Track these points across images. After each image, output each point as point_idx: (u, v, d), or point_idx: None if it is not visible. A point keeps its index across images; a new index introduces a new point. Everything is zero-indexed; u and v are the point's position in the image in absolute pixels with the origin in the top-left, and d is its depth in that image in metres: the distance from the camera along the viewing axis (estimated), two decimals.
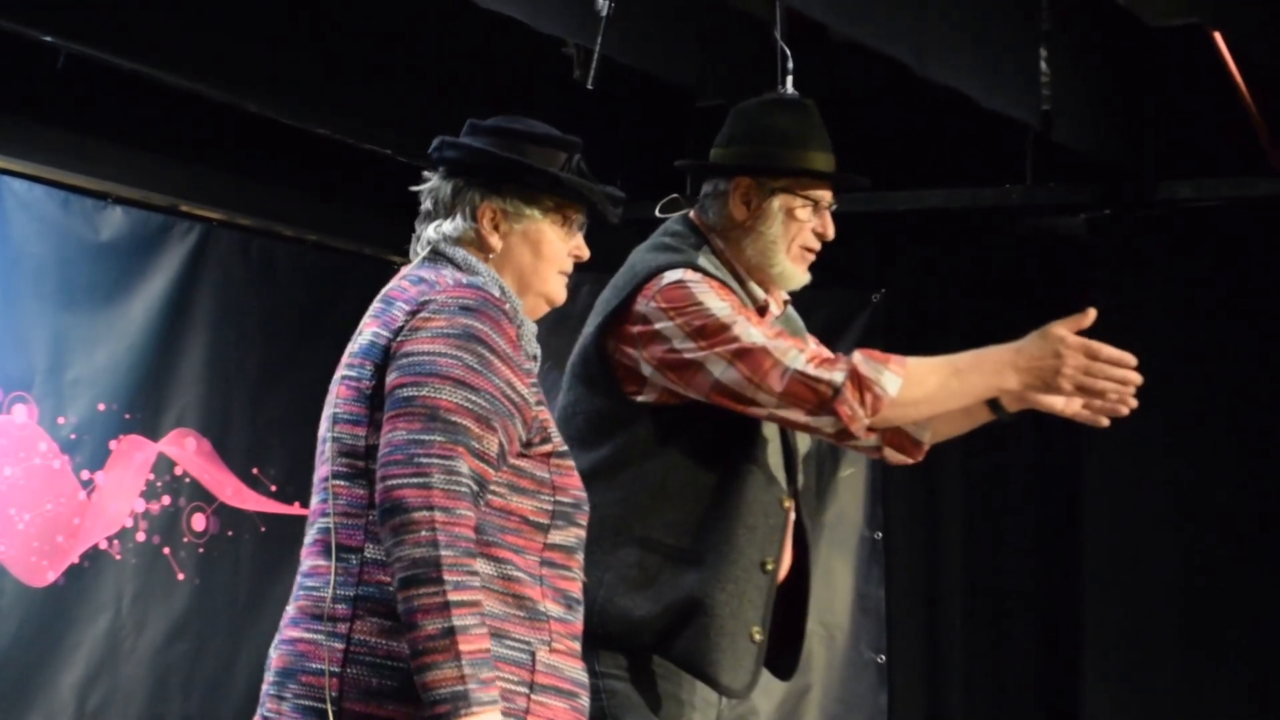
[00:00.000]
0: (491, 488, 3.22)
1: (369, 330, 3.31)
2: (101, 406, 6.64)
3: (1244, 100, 6.52)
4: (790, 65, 5.32)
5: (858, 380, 3.81)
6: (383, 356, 3.24)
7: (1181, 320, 7.53)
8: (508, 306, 3.30)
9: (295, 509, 7.14)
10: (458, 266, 3.35)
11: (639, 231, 8.07)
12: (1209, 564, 7.41)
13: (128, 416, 6.73)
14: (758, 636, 3.95)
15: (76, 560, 6.55)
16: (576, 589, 3.35)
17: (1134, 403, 3.95)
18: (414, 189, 3.46)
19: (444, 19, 6.68)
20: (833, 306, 8.03)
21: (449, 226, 3.38)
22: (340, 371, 3.33)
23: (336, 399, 3.31)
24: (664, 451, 3.92)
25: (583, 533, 3.37)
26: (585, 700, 3.33)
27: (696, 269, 3.94)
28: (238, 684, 6.98)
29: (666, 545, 3.89)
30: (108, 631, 6.64)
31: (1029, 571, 7.99)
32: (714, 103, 7.22)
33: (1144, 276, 7.59)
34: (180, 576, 6.89)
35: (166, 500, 6.85)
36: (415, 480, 3.11)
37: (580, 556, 3.37)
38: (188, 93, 6.38)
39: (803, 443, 4.11)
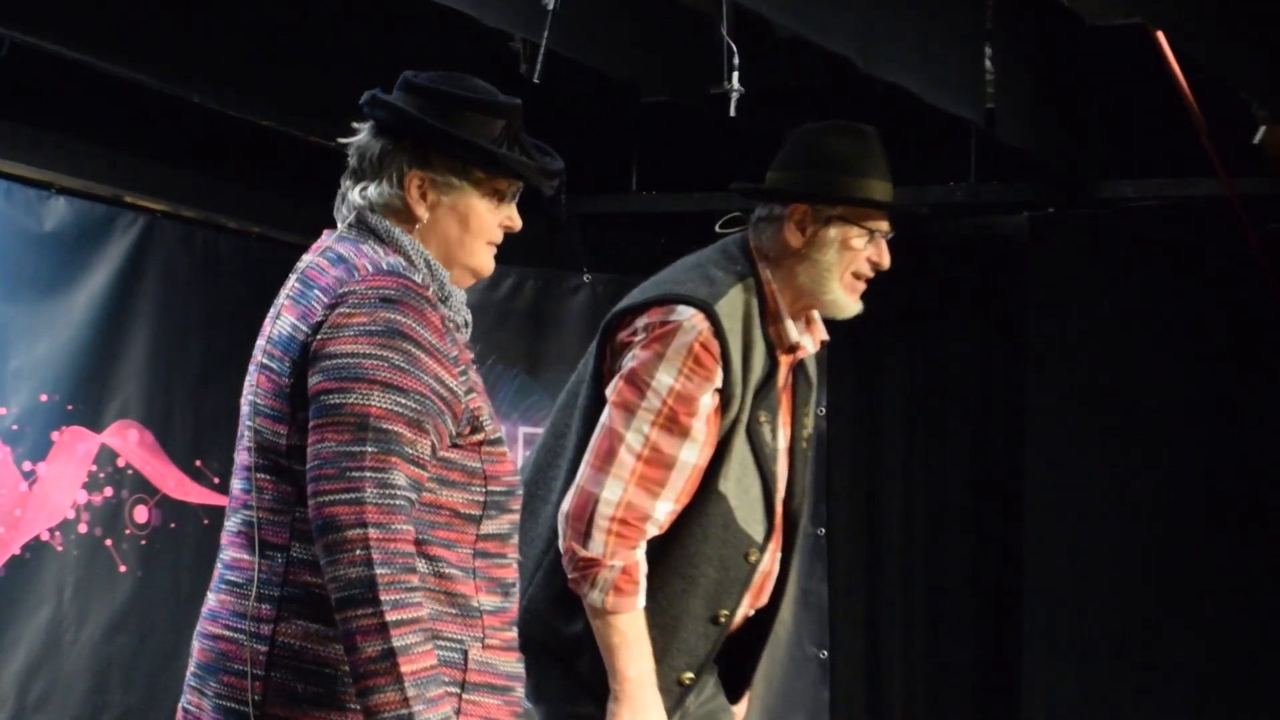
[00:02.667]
0: None
1: (287, 319, 3.16)
2: (44, 397, 6.62)
3: (1186, 100, 6.56)
4: (736, 61, 5.33)
5: (593, 565, 3.79)
6: (302, 353, 3.09)
7: (1122, 318, 7.57)
8: (431, 290, 3.16)
9: None
10: (380, 239, 3.19)
11: (582, 226, 8.12)
12: (1146, 558, 7.46)
13: (70, 408, 6.70)
14: (686, 680, 3.93)
15: (18, 551, 6.53)
16: (511, 574, 3.25)
17: None
18: (342, 141, 3.30)
19: (391, 12, 6.67)
20: None
21: (374, 191, 3.22)
22: (259, 356, 3.20)
23: (256, 388, 3.18)
24: None
25: (516, 518, 3.26)
26: (519, 692, 3.24)
27: (710, 316, 3.82)
28: (179, 676, 6.90)
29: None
30: (49, 623, 6.62)
31: (969, 567, 8.03)
32: (658, 98, 7.25)
33: (1086, 275, 7.63)
34: (122, 569, 6.87)
35: (109, 492, 6.83)
36: (347, 496, 2.98)
37: (515, 541, 3.26)
38: (132, 83, 6.36)
39: (796, 487, 4.05)
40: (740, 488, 3.89)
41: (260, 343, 3.23)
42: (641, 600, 3.81)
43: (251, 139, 6.97)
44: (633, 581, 3.79)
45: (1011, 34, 6.44)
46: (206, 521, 7.12)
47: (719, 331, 3.82)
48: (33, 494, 6.57)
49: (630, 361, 3.83)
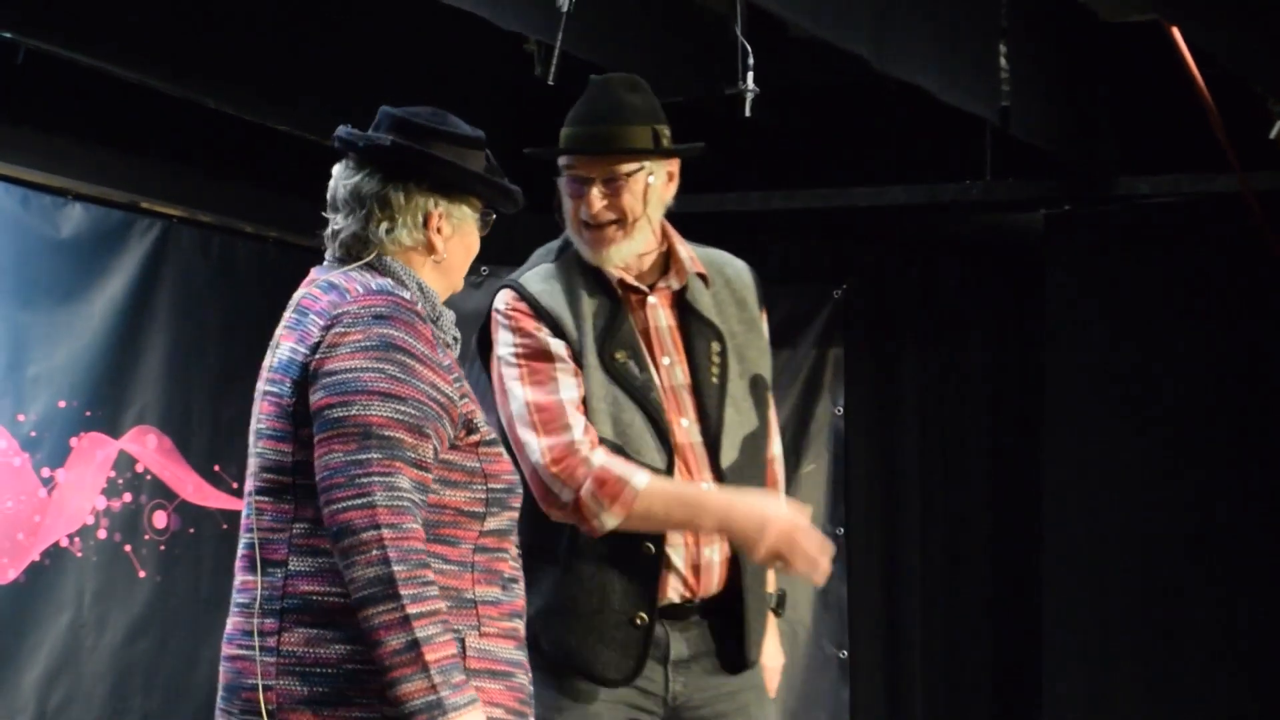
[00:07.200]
0: None
1: (285, 345, 3.34)
2: (62, 404, 6.62)
3: (1202, 96, 6.55)
4: (750, 61, 5.33)
5: (579, 505, 3.90)
6: (301, 374, 3.28)
7: (1139, 315, 7.56)
8: (421, 306, 3.33)
9: None
10: (371, 267, 3.37)
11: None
12: (1167, 556, 7.45)
13: (88, 414, 6.71)
14: (641, 620, 3.97)
15: (37, 558, 6.53)
16: (509, 567, 3.40)
17: (826, 572, 3.96)
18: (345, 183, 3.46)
19: (405, 15, 6.67)
20: (794, 302, 8.06)
21: (404, 235, 3.38)
22: (262, 385, 3.38)
23: (260, 414, 3.38)
24: None
25: (515, 515, 3.42)
26: (521, 678, 3.38)
27: (513, 287, 4.00)
28: (199, 682, 6.97)
29: (530, 544, 3.85)
30: (69, 629, 6.63)
31: (988, 565, 8.03)
32: (673, 100, 7.24)
33: (1102, 272, 7.63)
34: (141, 574, 6.88)
35: (128, 498, 6.83)
36: (359, 501, 3.16)
37: (514, 537, 3.42)
38: (148, 89, 6.36)
39: (710, 419, 4.08)
40: (618, 425, 3.97)
41: (263, 375, 3.41)
42: (640, 479, 3.89)
43: (268, 143, 6.98)
44: (614, 478, 3.88)
45: (1026, 31, 6.43)
46: (225, 526, 7.12)
47: (524, 295, 3.98)
48: (52, 500, 6.58)
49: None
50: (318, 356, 3.26)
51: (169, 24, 6.22)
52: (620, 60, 6.36)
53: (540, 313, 3.98)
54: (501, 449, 3.42)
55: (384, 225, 3.38)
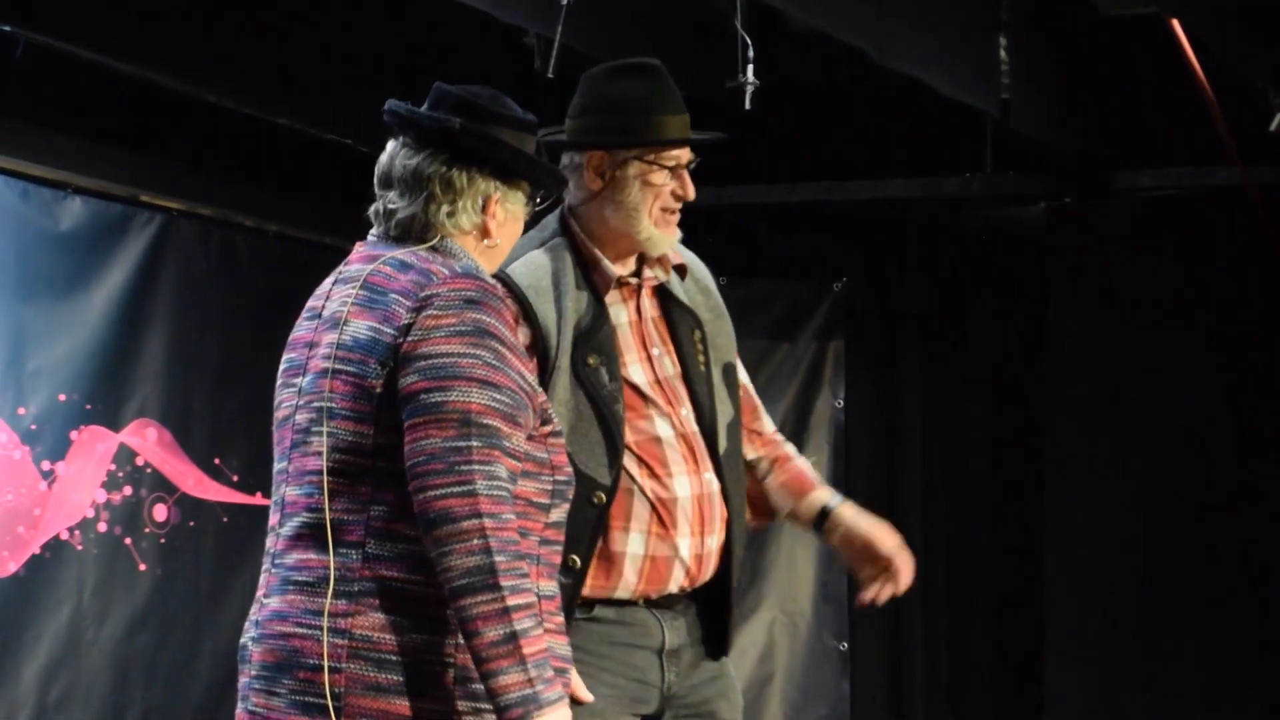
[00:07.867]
0: None
1: (363, 324, 3.27)
2: (62, 397, 6.62)
3: (1202, 89, 6.55)
4: (750, 54, 5.33)
5: None
6: (389, 355, 3.22)
7: (1140, 309, 7.56)
8: (500, 290, 3.32)
9: (257, 499, 7.13)
10: (434, 249, 3.34)
11: None
12: (1167, 552, 7.45)
13: (89, 407, 6.71)
14: (573, 563, 3.90)
15: (37, 551, 6.53)
16: (559, 559, 3.40)
17: None
18: (405, 163, 3.41)
19: (404, 8, 6.67)
20: (794, 297, 8.06)
21: (464, 219, 3.37)
22: (323, 363, 3.29)
23: (329, 393, 3.27)
24: None
25: (569, 508, 3.41)
26: (570, 674, 3.37)
27: (507, 284, 3.90)
28: (200, 675, 6.97)
29: None
30: (69, 622, 6.63)
31: (989, 557, 8.03)
32: None
33: (1103, 265, 7.63)
34: (142, 567, 6.88)
35: (128, 491, 6.84)
36: (459, 489, 3.13)
37: (565, 531, 3.41)
38: (147, 82, 6.36)
39: (702, 408, 4.06)
40: (573, 433, 3.91)
41: (319, 349, 3.32)
42: None
43: (267, 137, 6.98)
44: None
45: (1026, 25, 6.43)
46: (226, 519, 7.13)
47: (514, 290, 3.90)
48: (52, 493, 6.58)
49: None
50: (410, 339, 3.21)
51: (169, 17, 6.22)
52: (620, 53, 6.36)
53: (526, 311, 3.92)
54: (563, 441, 3.42)
55: (445, 208, 3.36)
